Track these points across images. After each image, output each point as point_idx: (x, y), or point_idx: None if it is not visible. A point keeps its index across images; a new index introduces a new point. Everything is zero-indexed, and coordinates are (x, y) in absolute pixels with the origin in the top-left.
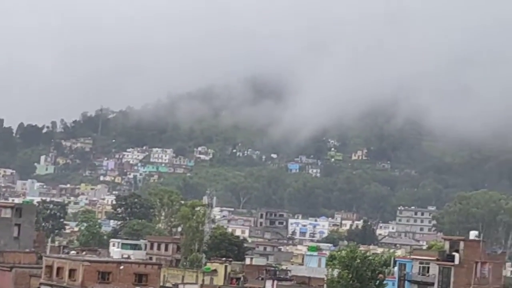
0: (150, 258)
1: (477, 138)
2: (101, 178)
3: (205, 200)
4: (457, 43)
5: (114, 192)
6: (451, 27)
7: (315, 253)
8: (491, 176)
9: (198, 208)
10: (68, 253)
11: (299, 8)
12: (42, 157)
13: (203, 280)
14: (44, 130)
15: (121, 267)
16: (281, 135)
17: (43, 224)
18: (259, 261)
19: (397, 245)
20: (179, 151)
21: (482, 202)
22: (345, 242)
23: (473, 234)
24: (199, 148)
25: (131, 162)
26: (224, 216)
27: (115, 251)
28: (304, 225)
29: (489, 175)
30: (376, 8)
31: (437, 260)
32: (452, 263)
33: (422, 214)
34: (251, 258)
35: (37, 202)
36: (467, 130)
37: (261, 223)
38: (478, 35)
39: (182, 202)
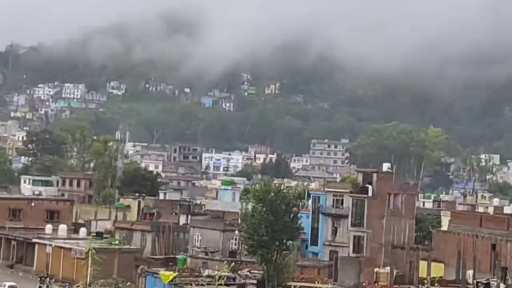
0: (62, 195)
1: (389, 71)
2: (12, 114)
3: (118, 135)
4: None
5: (25, 128)
6: None
7: (229, 187)
8: (403, 109)
9: (110, 144)
10: None
11: None
12: None
13: (116, 216)
14: None
15: (32, 204)
16: (194, 69)
17: None
18: (173, 196)
19: (311, 178)
20: (91, 86)
21: (394, 134)
22: (259, 176)
23: (385, 166)
24: (112, 83)
25: (42, 97)
26: (137, 151)
27: (26, 188)
28: (218, 160)
29: (401, 108)
30: None
31: (351, 192)
32: (365, 195)
33: (335, 147)
34: (165, 193)
35: None
36: (379, 64)
37: (174, 158)
38: None
39: (95, 137)
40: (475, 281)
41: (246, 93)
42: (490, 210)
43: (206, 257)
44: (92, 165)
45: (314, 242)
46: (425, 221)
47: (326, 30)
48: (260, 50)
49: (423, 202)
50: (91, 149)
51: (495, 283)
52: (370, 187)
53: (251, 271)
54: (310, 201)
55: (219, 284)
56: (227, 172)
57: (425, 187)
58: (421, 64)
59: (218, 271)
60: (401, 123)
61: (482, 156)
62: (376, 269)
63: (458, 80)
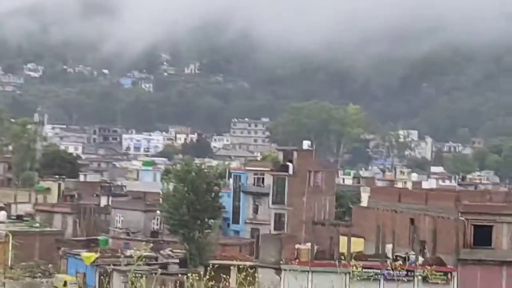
0: None
1: (307, 49)
2: None
3: (36, 117)
4: None
5: None
6: None
7: (150, 168)
8: (322, 87)
9: (29, 126)
10: None
11: None
12: None
13: (36, 199)
14: None
15: None
16: (113, 50)
17: None
18: (93, 177)
19: (232, 157)
20: (7, 68)
21: (313, 112)
22: (180, 156)
23: (305, 144)
24: (29, 65)
25: None
26: (56, 134)
27: None
28: (138, 140)
29: (319, 86)
30: None
31: (271, 170)
32: (285, 173)
33: (256, 125)
34: (85, 175)
35: None
36: (299, 41)
37: (94, 140)
38: None
39: (12, 120)
40: (394, 255)
41: (165, 73)
42: (409, 185)
43: (128, 237)
44: (10, 148)
45: (236, 220)
46: (345, 197)
47: (246, 9)
48: (179, 30)
49: (343, 179)
50: (8, 132)
51: (414, 257)
52: (290, 165)
53: (173, 250)
54: (231, 180)
55: (139, 264)
56: (148, 153)
57: (345, 163)
58: (340, 41)
59: (139, 251)
60: (321, 101)
61: (401, 132)
62: (297, 246)
63: (376, 57)
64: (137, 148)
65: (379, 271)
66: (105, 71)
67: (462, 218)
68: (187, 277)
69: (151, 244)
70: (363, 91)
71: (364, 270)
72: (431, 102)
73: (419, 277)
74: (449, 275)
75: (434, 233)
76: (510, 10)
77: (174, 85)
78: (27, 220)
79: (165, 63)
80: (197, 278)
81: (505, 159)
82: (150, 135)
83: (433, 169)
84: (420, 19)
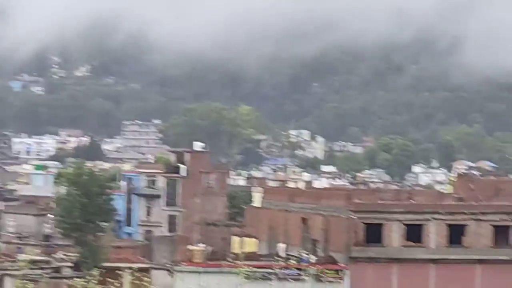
0: None
1: (199, 50)
2: None
3: None
4: None
5: None
6: None
7: (42, 172)
8: (214, 88)
9: None
10: None
11: None
12: None
13: None
14: None
15: None
16: (2, 53)
17: None
18: None
19: (124, 160)
20: None
21: (205, 113)
22: (72, 159)
23: (197, 146)
24: None
25: None
26: None
27: None
28: (29, 144)
29: (211, 87)
30: None
31: (164, 172)
32: (178, 175)
33: (148, 127)
34: None
35: None
36: (190, 43)
37: None
38: None
39: None
40: (286, 255)
41: (56, 76)
42: (300, 184)
43: (20, 242)
44: None
45: (129, 222)
46: (238, 198)
47: (137, 10)
48: (69, 32)
49: (236, 179)
50: None
51: (306, 256)
52: (182, 166)
53: (66, 254)
54: (123, 183)
55: (32, 268)
56: (39, 157)
57: (237, 164)
58: (231, 42)
59: (30, 255)
60: (213, 102)
61: (292, 132)
62: (190, 247)
63: (267, 57)
64: (28, 152)
65: (271, 270)
66: None
67: (353, 217)
68: (82, 280)
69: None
70: (254, 92)
71: (256, 270)
72: (322, 101)
73: (311, 275)
74: (341, 273)
75: (326, 232)
76: (396, 10)
77: (64, 88)
78: None
79: (55, 65)
80: (90, 281)
81: (395, 157)
82: (41, 138)
83: (325, 168)
84: (309, 19)
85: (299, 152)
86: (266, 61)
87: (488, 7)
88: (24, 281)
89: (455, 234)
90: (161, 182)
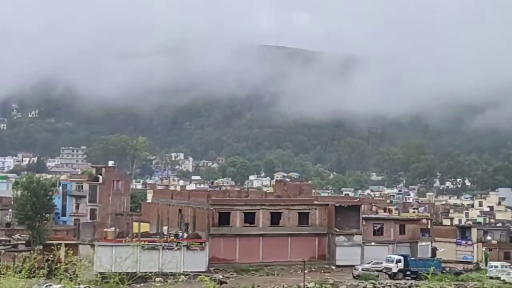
0: None
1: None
2: None
3: None
4: None
5: None
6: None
7: (4, 181)
8: (122, 124)
9: None
10: None
11: None
12: None
13: None
14: None
15: None
16: None
17: None
18: None
19: (61, 173)
20: None
21: (116, 142)
22: (25, 172)
23: (110, 163)
24: None
25: None
26: None
27: None
28: None
29: (120, 124)
30: None
31: (88, 180)
32: (97, 182)
33: (77, 151)
34: None
35: None
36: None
37: None
38: None
39: None
40: (168, 233)
41: (15, 117)
42: (178, 188)
43: None
44: None
45: (64, 214)
46: (137, 197)
47: (70, 71)
48: (25, 86)
49: (136, 185)
50: None
51: (181, 233)
52: (100, 176)
53: (21, 235)
54: (60, 188)
55: None
56: (3, 171)
57: (137, 175)
58: (134, 93)
59: None
60: (121, 134)
61: (173, 154)
62: (105, 229)
63: (157, 104)
64: None
65: (158, 243)
66: None
67: (211, 208)
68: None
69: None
70: (148, 127)
71: (149, 243)
72: (192, 134)
73: (184, 246)
74: (203, 244)
75: (194, 218)
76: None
77: (21, 125)
78: None
79: (15, 110)
80: (38, 252)
81: (238, 170)
82: (4, 158)
83: (193, 177)
84: (184, 79)
85: (177, 167)
86: (156, 107)
87: (298, 75)
88: None
89: (275, 218)
90: (86, 187)
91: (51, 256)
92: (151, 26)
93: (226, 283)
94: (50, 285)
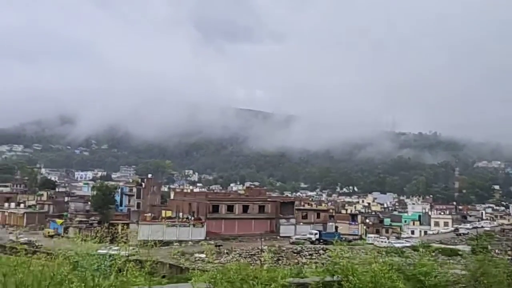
0: None
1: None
2: None
3: None
4: None
5: None
6: None
7: (86, 185)
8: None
9: None
10: None
11: None
12: None
13: None
14: None
15: None
16: None
17: None
18: None
19: (120, 181)
20: None
21: (153, 164)
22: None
23: (149, 176)
24: None
25: None
26: None
27: None
28: None
29: (156, 153)
30: None
31: (136, 186)
32: (141, 187)
33: (130, 169)
34: None
35: None
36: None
37: None
38: None
39: None
40: (184, 217)
41: None
42: (189, 191)
43: None
44: None
45: (121, 205)
46: (165, 196)
47: None
48: None
49: (164, 189)
50: None
51: (190, 217)
52: (143, 183)
53: (95, 217)
54: (120, 190)
55: None
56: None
57: (165, 183)
58: (164, 134)
59: None
60: (156, 159)
61: (186, 170)
62: (145, 215)
63: (177, 141)
64: None
65: (176, 223)
66: None
67: (208, 202)
68: (101, 228)
69: None
70: (172, 155)
71: (171, 222)
72: (198, 159)
73: (191, 225)
74: (203, 224)
75: (198, 208)
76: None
77: (97, 152)
78: None
79: (93, 143)
80: (105, 228)
81: (224, 181)
82: (86, 173)
83: (198, 185)
84: (192, 126)
85: (188, 178)
86: (176, 143)
87: (259, 126)
88: None
89: (245, 209)
90: (134, 189)
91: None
92: (176, 95)
93: (221, 245)
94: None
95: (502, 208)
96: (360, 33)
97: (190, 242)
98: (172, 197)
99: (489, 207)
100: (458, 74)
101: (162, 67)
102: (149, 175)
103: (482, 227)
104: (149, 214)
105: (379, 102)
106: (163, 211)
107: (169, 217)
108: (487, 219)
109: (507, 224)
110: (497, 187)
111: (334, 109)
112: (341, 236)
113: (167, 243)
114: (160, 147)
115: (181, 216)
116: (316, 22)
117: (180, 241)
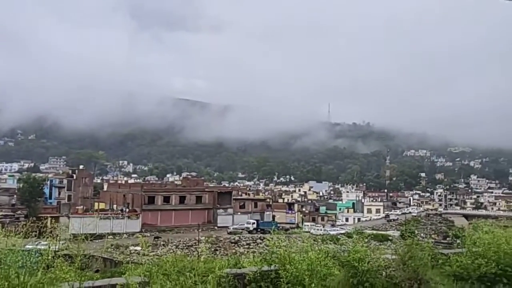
0: None
1: None
2: None
3: None
4: None
5: None
6: None
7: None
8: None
9: None
10: None
11: None
12: None
13: None
14: None
15: None
16: None
17: None
18: None
19: (49, 173)
20: None
21: (85, 154)
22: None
23: (81, 167)
24: None
25: None
26: None
27: None
28: None
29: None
30: None
31: (66, 177)
32: (72, 178)
33: (60, 160)
34: None
35: None
36: None
37: None
38: None
39: None
40: (117, 208)
41: None
42: (123, 182)
43: None
44: None
45: (50, 198)
46: (97, 187)
47: None
48: None
49: (97, 180)
50: None
51: (124, 208)
52: (74, 175)
53: (22, 211)
54: (49, 182)
55: None
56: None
57: (98, 175)
58: (97, 124)
59: None
60: (88, 150)
61: (120, 161)
62: (76, 207)
63: (111, 131)
64: None
65: (110, 215)
66: None
67: (143, 194)
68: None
69: None
70: (105, 145)
71: (104, 215)
72: (133, 150)
73: (127, 216)
74: (138, 215)
75: (132, 200)
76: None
77: (23, 143)
78: None
79: (19, 134)
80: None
81: (160, 171)
82: (11, 164)
83: (133, 175)
84: (127, 116)
85: (123, 169)
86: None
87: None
88: None
89: (182, 199)
90: (65, 181)
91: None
92: (111, 83)
93: (160, 237)
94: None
95: (428, 194)
96: (297, 25)
97: (125, 235)
98: (105, 188)
99: (416, 193)
100: (390, 68)
101: (97, 56)
102: (81, 166)
103: (410, 212)
104: (81, 207)
105: (315, 93)
106: (96, 203)
107: (102, 210)
108: (414, 205)
109: (431, 209)
110: (423, 174)
111: (272, 100)
112: (278, 225)
113: (100, 236)
114: (92, 137)
115: (115, 208)
116: (254, 13)
117: (114, 234)
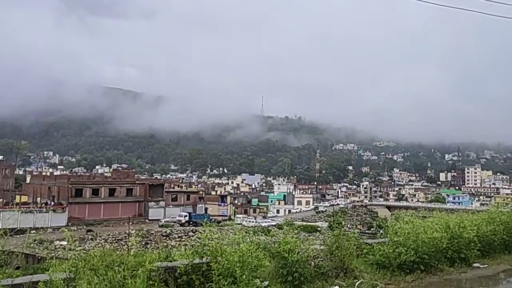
0: None
1: None
2: None
3: None
4: None
5: None
6: None
7: None
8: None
9: None
10: None
11: None
12: None
13: None
14: None
15: None
16: None
17: None
18: None
19: None
20: None
21: (6, 144)
22: None
23: (0, 157)
24: None
25: None
26: None
27: None
28: None
29: (10, 133)
30: None
31: None
32: None
33: None
34: None
35: None
36: None
37: None
38: None
39: None
40: (41, 202)
41: None
42: (48, 174)
43: None
44: None
45: None
46: (19, 179)
47: None
48: None
49: (19, 172)
50: None
51: (49, 202)
52: None
53: None
54: None
55: None
56: None
57: (20, 166)
58: (20, 112)
59: None
60: (9, 139)
61: (45, 152)
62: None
63: (35, 120)
64: None
65: (33, 209)
66: None
67: (70, 186)
68: None
69: None
70: (29, 135)
71: (26, 208)
72: (59, 140)
73: (52, 210)
74: (64, 209)
75: (58, 193)
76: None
77: None
78: None
79: None
80: None
81: (89, 163)
82: None
83: (59, 167)
84: (54, 104)
85: (48, 161)
86: (34, 122)
87: (127, 105)
88: None
89: (111, 192)
90: None
91: None
92: (35, 68)
93: (92, 231)
94: None
95: (355, 186)
96: (231, 16)
97: (49, 229)
98: (28, 181)
99: (344, 186)
100: (322, 63)
101: (19, 36)
102: (0, 157)
103: (338, 204)
104: (0, 200)
105: (249, 85)
106: (18, 196)
107: (25, 203)
108: (342, 197)
109: (357, 201)
110: (350, 167)
111: (205, 92)
112: (211, 217)
113: (22, 231)
114: (14, 126)
115: (38, 202)
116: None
117: (37, 229)
